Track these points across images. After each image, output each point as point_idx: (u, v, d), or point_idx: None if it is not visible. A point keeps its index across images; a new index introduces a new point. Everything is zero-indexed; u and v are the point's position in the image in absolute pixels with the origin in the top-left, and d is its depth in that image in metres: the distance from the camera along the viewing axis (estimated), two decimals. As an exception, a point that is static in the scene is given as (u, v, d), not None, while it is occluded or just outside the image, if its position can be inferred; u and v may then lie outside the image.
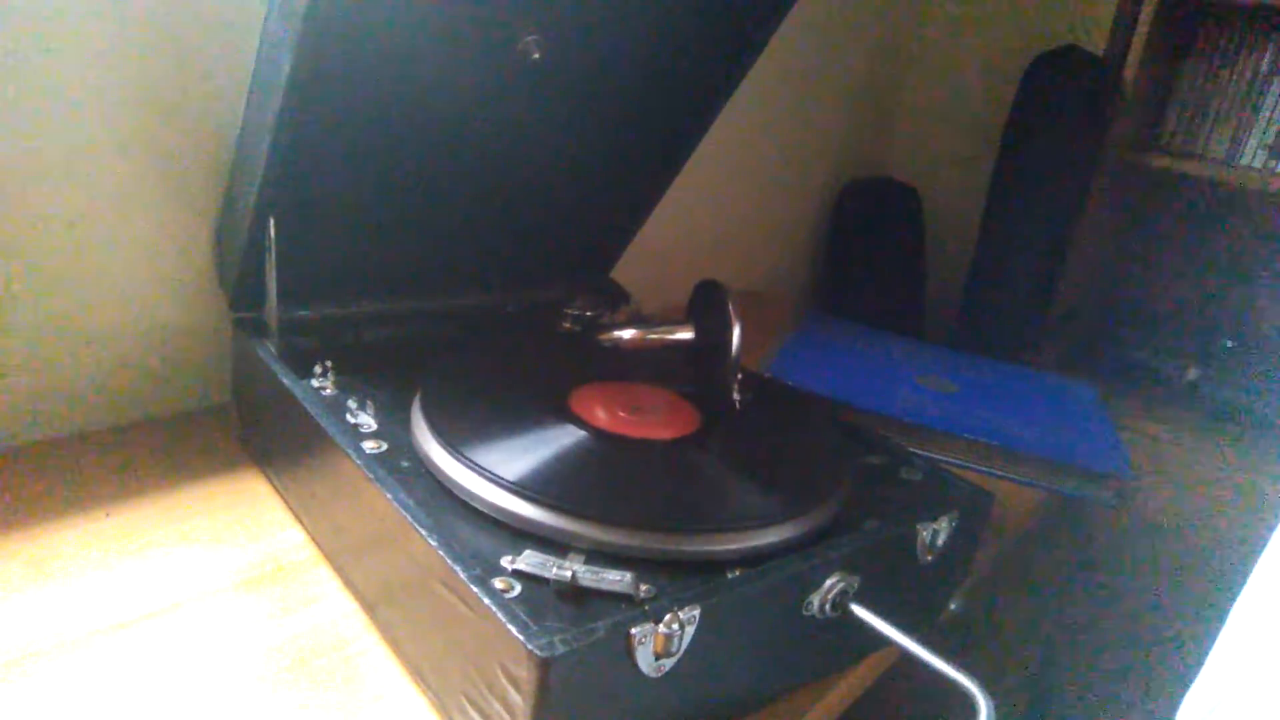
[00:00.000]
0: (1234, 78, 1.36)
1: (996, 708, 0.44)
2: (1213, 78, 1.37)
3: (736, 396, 0.62)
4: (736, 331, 0.61)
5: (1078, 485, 0.82)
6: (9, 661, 0.47)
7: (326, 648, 0.50)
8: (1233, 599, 0.45)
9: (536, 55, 0.62)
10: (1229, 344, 1.40)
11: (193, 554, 0.57)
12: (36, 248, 0.65)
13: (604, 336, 0.68)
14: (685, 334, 0.66)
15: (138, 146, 0.68)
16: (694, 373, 0.67)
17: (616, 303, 0.82)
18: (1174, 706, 0.44)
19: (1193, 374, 1.35)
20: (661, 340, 0.67)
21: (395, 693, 0.48)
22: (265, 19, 0.53)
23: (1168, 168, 1.37)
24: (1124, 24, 1.33)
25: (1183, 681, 0.45)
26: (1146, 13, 1.27)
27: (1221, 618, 0.45)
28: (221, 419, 0.74)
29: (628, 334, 0.66)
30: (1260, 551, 0.46)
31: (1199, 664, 0.44)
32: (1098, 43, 1.36)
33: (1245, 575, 0.45)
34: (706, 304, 0.65)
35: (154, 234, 0.71)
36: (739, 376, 0.63)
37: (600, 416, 0.59)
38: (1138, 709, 1.21)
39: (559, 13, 0.62)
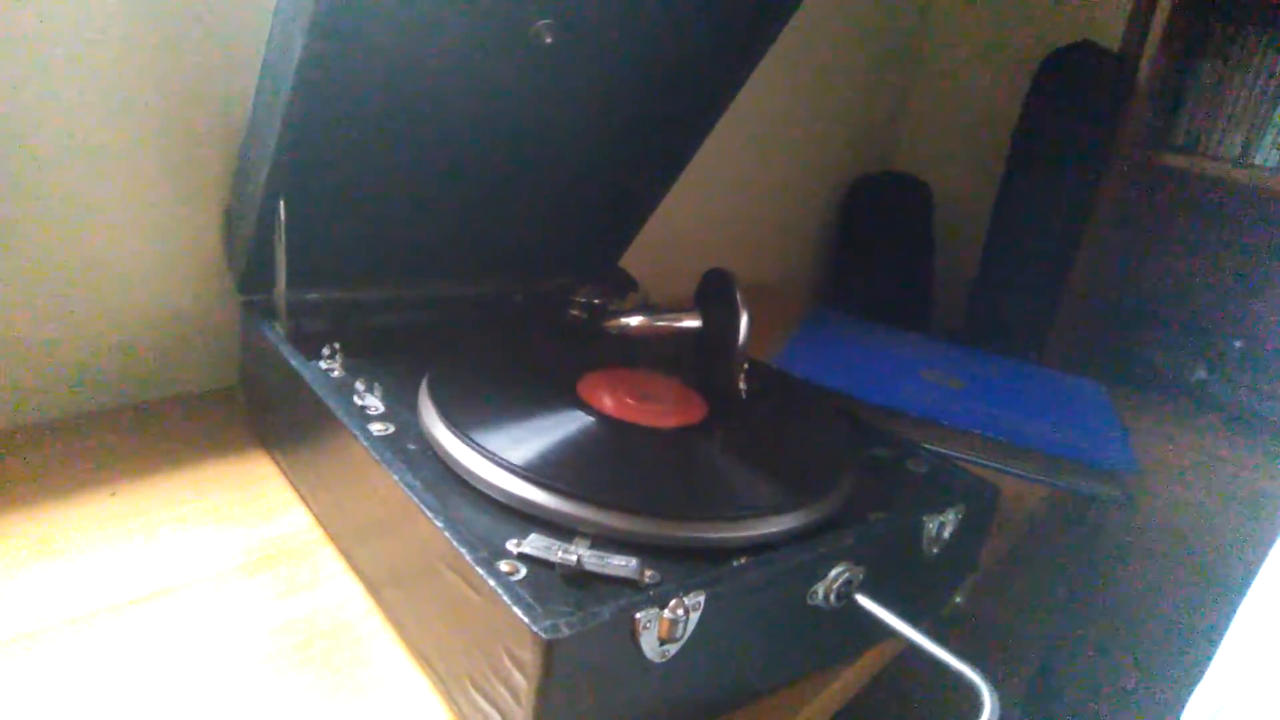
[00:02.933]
0: (1249, 77, 1.35)
1: (1001, 700, 0.44)
2: (1227, 77, 1.36)
3: (742, 386, 0.62)
4: (744, 320, 0.60)
5: (1084, 482, 0.81)
6: (15, 638, 0.47)
7: (331, 630, 0.50)
8: (1239, 599, 0.45)
9: (549, 40, 0.62)
10: (1238, 345, 1.39)
11: (198, 535, 0.57)
12: (45, 229, 0.65)
13: (611, 324, 0.68)
14: (692, 322, 0.66)
15: (148, 129, 0.68)
16: (700, 361, 0.67)
17: (624, 291, 0.82)
18: (1180, 705, 0.44)
19: (1201, 374, 1.35)
20: (668, 328, 0.66)
21: (399, 674, 0.48)
22: (277, 1, 0.53)
23: (1180, 166, 1.36)
24: (1139, 21, 1.32)
25: (1189, 680, 0.45)
26: (1162, 10, 1.26)
27: (1228, 617, 0.45)
28: (229, 401, 0.74)
29: (635, 321, 0.66)
30: (1266, 552, 0.46)
31: (1205, 663, 0.44)
32: (1112, 39, 1.35)
33: (1251, 575, 0.45)
34: (714, 293, 0.65)
35: (163, 216, 0.71)
36: (745, 366, 0.62)
37: (607, 403, 0.58)
38: (1143, 707, 1.20)
39: (572, -2, 0.62)
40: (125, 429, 0.68)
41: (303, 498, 0.62)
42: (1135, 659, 1.23)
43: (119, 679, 0.45)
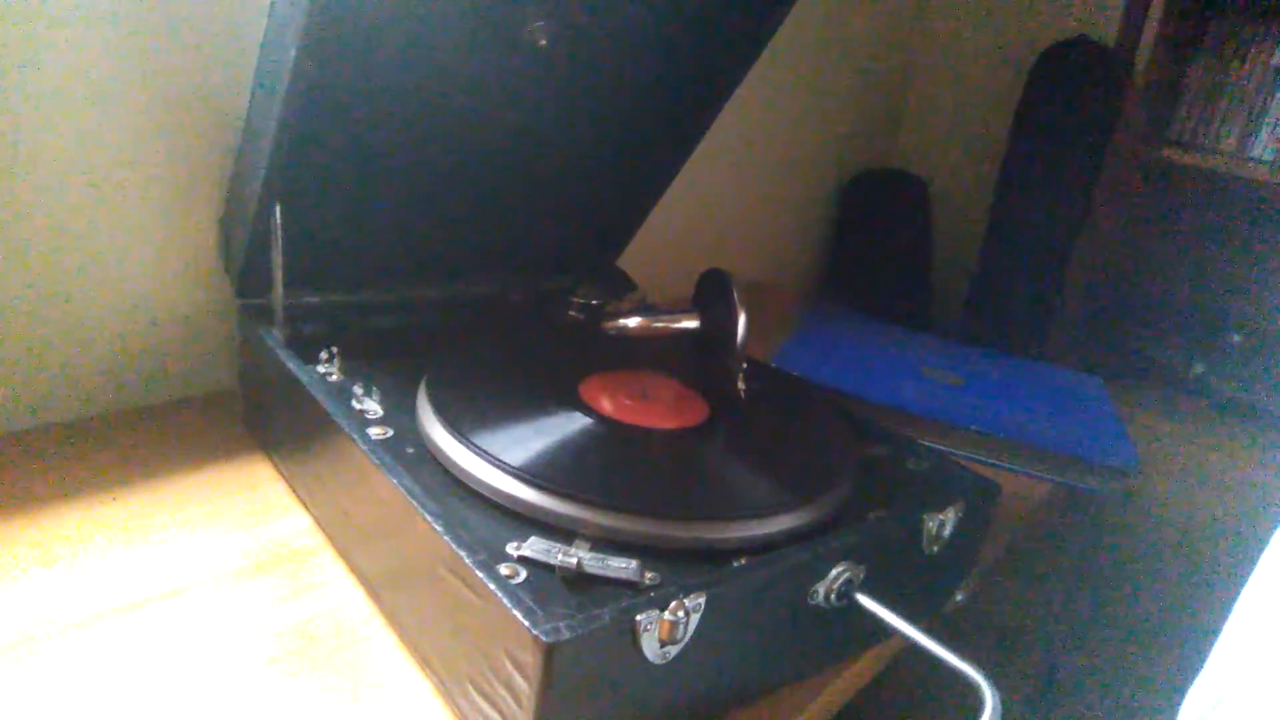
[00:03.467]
0: (1245, 70, 1.35)
1: (1003, 698, 0.44)
2: (1223, 70, 1.36)
3: (741, 386, 0.62)
4: (741, 320, 0.60)
5: (1084, 478, 0.81)
6: (15, 642, 0.47)
7: (331, 632, 0.50)
8: (1237, 593, 0.45)
9: (544, 41, 0.62)
10: (1236, 338, 1.39)
11: (198, 538, 0.57)
12: (43, 234, 0.65)
13: (609, 325, 0.68)
14: (690, 323, 0.66)
15: (144, 132, 0.68)
16: (700, 362, 0.67)
17: (622, 292, 0.82)
18: (1178, 700, 0.44)
19: (1199, 368, 1.35)
20: (666, 329, 0.66)
21: (400, 677, 0.48)
22: (272, 3, 0.53)
23: (1177, 160, 1.36)
24: (1135, 15, 1.32)
25: (1187, 675, 0.45)
26: (1158, 4, 1.27)
27: (1226, 612, 0.45)
28: (228, 405, 0.74)
29: (633, 322, 0.66)
30: (1264, 547, 0.46)
31: (1203, 658, 0.44)
32: (1108, 34, 1.35)
33: (1249, 570, 0.45)
34: (712, 293, 0.65)
35: (160, 220, 0.71)
36: (744, 366, 0.62)
37: (606, 404, 0.58)
38: (1142, 702, 1.21)
39: (567, -1, 0.62)
40: (125, 433, 0.68)
41: (302, 501, 0.62)
42: (1134, 654, 1.23)
43: (119, 683, 0.45)
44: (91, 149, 0.66)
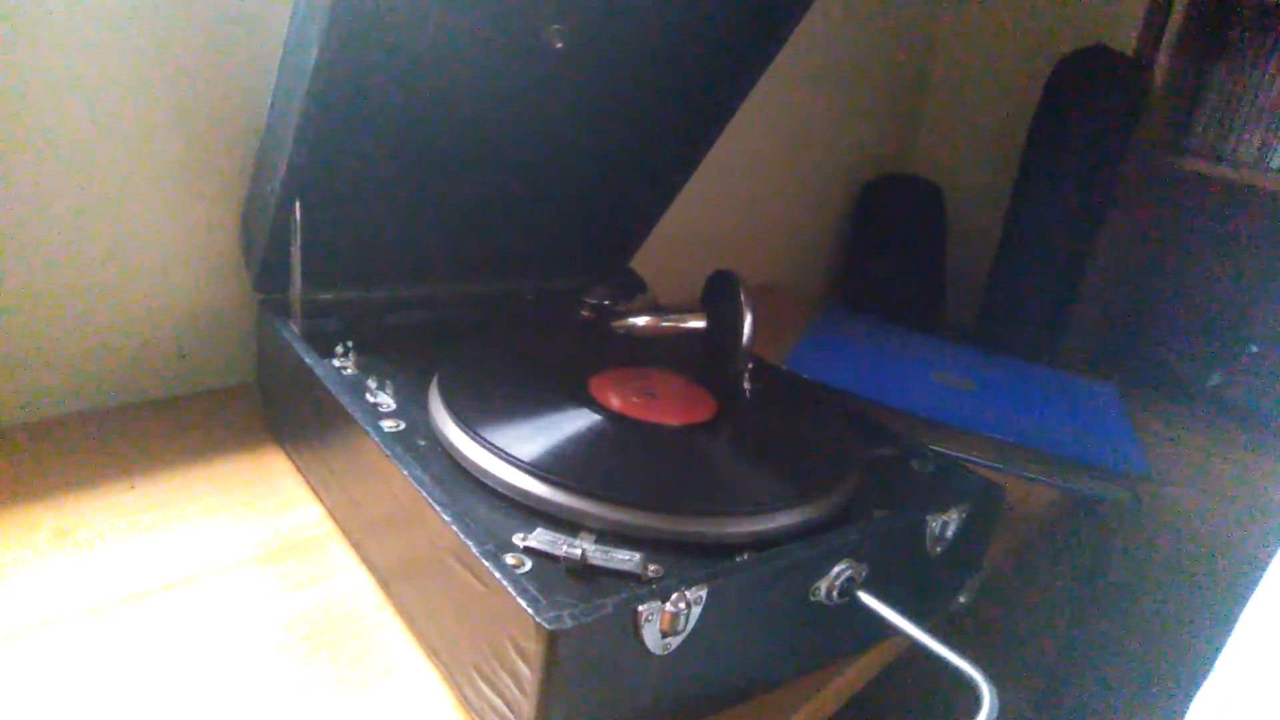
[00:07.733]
0: (1265, 80, 1.34)
1: (1000, 697, 0.44)
2: (1243, 80, 1.36)
3: (746, 385, 0.63)
4: (748, 320, 0.61)
5: (1095, 484, 0.81)
6: (33, 627, 0.48)
7: (342, 621, 0.51)
8: (1245, 600, 0.45)
9: (560, 44, 0.63)
10: (1254, 349, 1.38)
11: (214, 527, 0.58)
12: (65, 228, 0.67)
13: (618, 324, 0.69)
14: (697, 322, 0.67)
15: (166, 129, 0.69)
16: (708, 361, 0.67)
17: (633, 292, 0.83)
18: (1184, 706, 0.44)
19: (1216, 378, 1.34)
20: (674, 328, 0.67)
21: (408, 665, 0.49)
22: (294, 3, 0.54)
23: (1196, 170, 1.35)
24: (1154, 24, 1.31)
25: (1193, 681, 0.45)
26: (1177, 13, 1.26)
27: (1234, 618, 0.45)
28: (245, 397, 0.75)
29: (641, 321, 0.67)
30: (1273, 554, 0.46)
31: (1211, 663, 0.44)
32: (1127, 42, 1.35)
33: (1258, 578, 0.45)
34: (720, 293, 0.66)
35: (181, 216, 0.72)
36: (750, 365, 0.63)
37: (614, 400, 0.59)
38: (1147, 708, 1.20)
39: (583, 2, 0.63)
40: (144, 424, 0.70)
41: (316, 492, 0.63)
42: (1141, 660, 1.22)
43: (135, 668, 0.46)
44: (115, 144, 0.67)
